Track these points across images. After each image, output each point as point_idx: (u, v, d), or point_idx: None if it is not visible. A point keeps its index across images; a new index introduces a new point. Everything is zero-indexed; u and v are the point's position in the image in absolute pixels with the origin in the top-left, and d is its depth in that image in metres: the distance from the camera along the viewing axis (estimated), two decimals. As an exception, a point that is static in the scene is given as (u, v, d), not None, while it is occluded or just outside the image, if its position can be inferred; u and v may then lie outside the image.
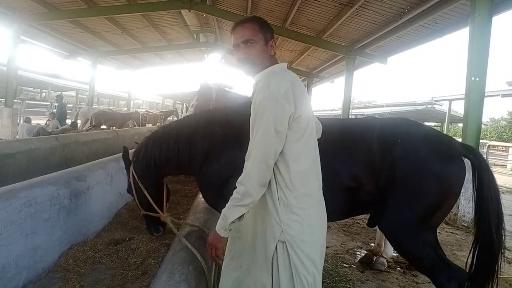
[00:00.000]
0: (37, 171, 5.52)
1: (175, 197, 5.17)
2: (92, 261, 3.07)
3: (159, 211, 2.78)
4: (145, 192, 2.74)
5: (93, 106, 20.10)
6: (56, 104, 11.71)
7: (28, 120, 10.61)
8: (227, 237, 1.67)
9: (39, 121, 13.25)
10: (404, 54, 12.54)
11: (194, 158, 2.60)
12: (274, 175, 1.64)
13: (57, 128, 11.24)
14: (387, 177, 2.33)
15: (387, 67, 12.70)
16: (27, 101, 21.90)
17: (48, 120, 12.19)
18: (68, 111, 11.33)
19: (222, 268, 1.86)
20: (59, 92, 18.24)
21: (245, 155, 1.81)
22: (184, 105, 38.61)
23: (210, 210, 3.02)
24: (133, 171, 2.80)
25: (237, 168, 2.29)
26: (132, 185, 2.79)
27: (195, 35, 17.75)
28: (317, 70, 18.24)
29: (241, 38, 1.69)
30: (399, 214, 2.33)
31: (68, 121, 13.86)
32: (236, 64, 1.58)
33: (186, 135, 2.64)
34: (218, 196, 2.40)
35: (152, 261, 3.08)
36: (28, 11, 11.64)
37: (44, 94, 32.94)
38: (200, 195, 3.61)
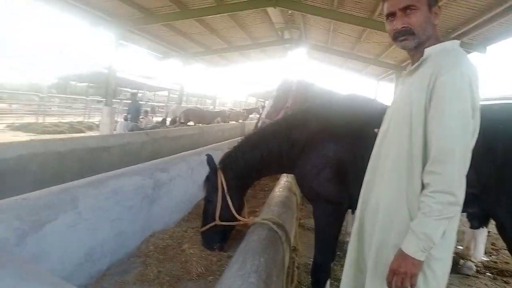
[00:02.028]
0: (129, 163, 5.95)
1: (252, 191, 5.20)
2: (171, 248, 3.17)
3: (240, 218, 2.84)
4: (228, 200, 2.81)
5: (182, 105, 21.36)
6: (131, 100, 12.62)
7: (126, 118, 11.64)
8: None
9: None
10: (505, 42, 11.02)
11: (293, 154, 2.62)
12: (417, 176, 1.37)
13: (148, 124, 12.17)
14: (494, 169, 1.96)
15: (485, 57, 11.29)
16: (125, 101, 24.04)
17: (142, 117, 13.23)
18: (141, 109, 12.35)
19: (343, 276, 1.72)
20: (135, 91, 19.73)
21: (339, 149, 1.75)
22: (265, 102, 39.37)
23: (284, 204, 2.95)
24: (222, 177, 2.86)
25: (329, 160, 2.37)
26: (219, 192, 2.85)
27: (279, 32, 17.81)
28: (405, 63, 17.02)
29: (399, 4, 1.44)
30: None
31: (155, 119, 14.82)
32: (391, 36, 1.44)
33: (286, 133, 2.67)
34: (312, 187, 2.48)
35: (228, 252, 3.11)
36: (127, 17, 12.75)
37: (140, 94, 35.96)
38: (277, 189, 3.59)
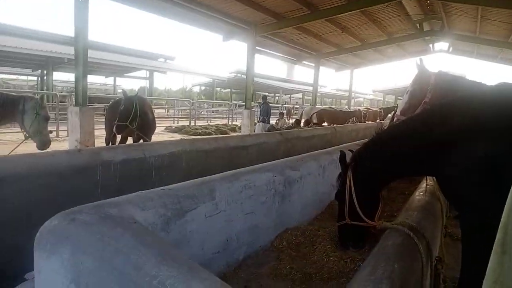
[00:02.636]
0: (264, 161, 6.27)
1: (390, 194, 4.85)
2: (304, 246, 3.17)
3: (367, 220, 2.67)
4: (355, 199, 2.68)
5: (316, 106, 21.46)
6: (262, 103, 13.14)
7: (264, 120, 12.37)
8: None
9: (273, 121, 15.18)
10: None
11: (432, 154, 2.31)
12: None
13: (283, 125, 12.62)
14: None
15: None
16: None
17: (278, 119, 13.80)
18: (273, 110, 12.94)
19: None
20: (266, 94, 20.51)
21: (492, 148, 1.42)
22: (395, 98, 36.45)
23: (424, 209, 2.65)
24: (351, 176, 2.77)
25: (482, 162, 2.02)
26: (347, 191, 2.77)
27: (417, 24, 16.34)
28: None
29: None
30: None
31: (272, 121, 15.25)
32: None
33: (423, 129, 2.39)
34: (459, 192, 2.19)
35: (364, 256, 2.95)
36: (260, 24, 13.48)
37: (277, 97, 37.66)
38: (417, 193, 3.27)
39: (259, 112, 12.94)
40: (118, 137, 7.35)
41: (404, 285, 1.64)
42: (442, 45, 21.24)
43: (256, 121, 12.86)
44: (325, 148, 8.78)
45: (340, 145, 5.72)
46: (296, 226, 3.49)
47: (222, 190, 2.58)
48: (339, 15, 13.23)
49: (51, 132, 6.68)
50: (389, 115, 20.96)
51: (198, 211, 2.33)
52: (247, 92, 14.12)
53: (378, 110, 20.96)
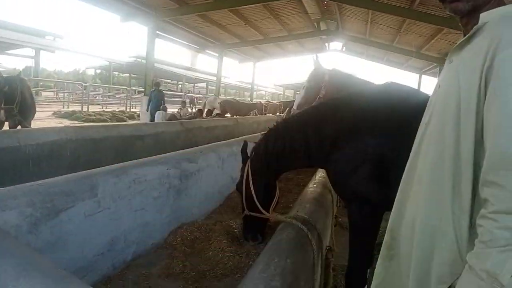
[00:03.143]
0: (163, 152, 5.96)
1: (287, 185, 5.00)
2: (200, 241, 3.05)
3: (263, 211, 2.66)
4: (252, 191, 2.66)
5: (220, 96, 21.42)
6: (153, 89, 12.17)
7: (164, 109, 11.73)
8: None
9: (175, 109, 14.65)
10: None
11: (322, 147, 2.36)
12: (473, 186, 1.00)
13: (185, 115, 12.22)
14: None
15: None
16: (165, 91, 24.62)
17: (180, 108, 13.35)
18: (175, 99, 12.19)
19: None
20: (168, 80, 19.73)
21: (379, 143, 1.44)
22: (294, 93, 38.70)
23: (317, 201, 2.73)
24: (249, 167, 2.74)
25: (368, 157, 2.09)
26: (244, 182, 2.76)
27: (315, 23, 17.31)
28: None
29: None
30: None
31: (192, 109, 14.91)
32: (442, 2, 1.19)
33: (314, 123, 2.42)
34: (347, 185, 2.22)
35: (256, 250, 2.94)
36: (162, 7, 12.84)
37: (180, 85, 36.60)
38: (310, 185, 3.37)
39: (148, 100, 11.82)
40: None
41: (296, 280, 1.62)
42: (336, 44, 22.91)
43: (146, 110, 11.84)
44: (227, 139, 8.85)
45: (242, 137, 5.70)
46: (193, 221, 3.35)
47: (106, 185, 2.31)
48: (243, 7, 13.27)
49: None
50: (288, 108, 22.01)
51: (75, 209, 2.04)
52: (147, 78, 13.36)
53: (278, 103, 21.77)
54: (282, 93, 42.59)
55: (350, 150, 2.19)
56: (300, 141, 2.45)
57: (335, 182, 2.44)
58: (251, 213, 2.76)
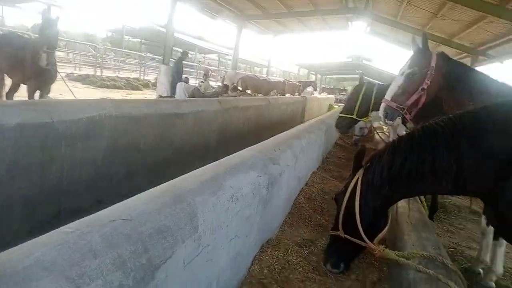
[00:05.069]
0: (201, 134, 5.20)
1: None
2: (288, 270, 2.35)
3: (367, 240, 2.00)
4: (357, 212, 1.98)
5: (237, 71, 20.37)
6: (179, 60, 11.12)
7: (186, 80, 10.80)
8: None
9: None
10: None
11: (488, 172, 1.69)
12: None
13: (208, 89, 11.25)
14: None
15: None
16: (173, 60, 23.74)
17: (202, 81, 12.41)
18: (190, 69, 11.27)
19: None
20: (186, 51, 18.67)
21: None
22: (318, 76, 37.28)
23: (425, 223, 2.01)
24: (361, 180, 2.04)
25: None
26: (346, 196, 2.09)
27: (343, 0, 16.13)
28: (484, 46, 14.67)
29: None
30: None
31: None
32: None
33: (468, 135, 1.75)
34: None
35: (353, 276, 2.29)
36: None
37: (191, 55, 35.30)
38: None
39: (174, 71, 10.78)
40: (7, 84, 5.64)
41: None
42: (360, 24, 21.55)
43: (200, 83, 10.96)
44: (259, 120, 8.07)
45: (301, 127, 4.91)
46: (274, 242, 2.65)
47: (206, 211, 1.54)
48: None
49: None
50: (308, 89, 21.02)
51: (175, 259, 1.28)
52: (166, 46, 12.36)
53: (297, 83, 20.74)
54: (296, 72, 41.10)
55: None
56: (442, 161, 1.77)
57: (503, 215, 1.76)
58: (348, 236, 2.05)
